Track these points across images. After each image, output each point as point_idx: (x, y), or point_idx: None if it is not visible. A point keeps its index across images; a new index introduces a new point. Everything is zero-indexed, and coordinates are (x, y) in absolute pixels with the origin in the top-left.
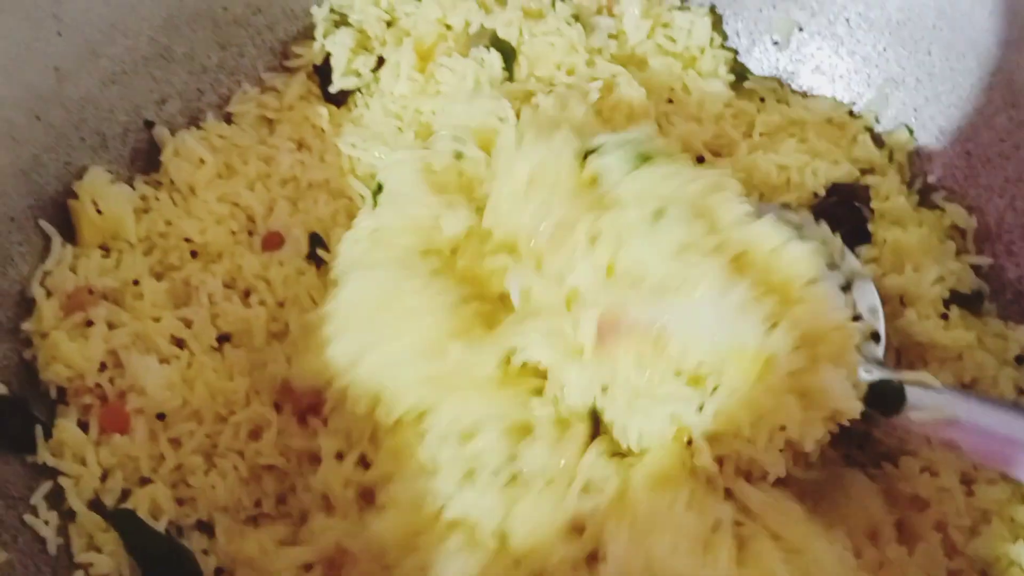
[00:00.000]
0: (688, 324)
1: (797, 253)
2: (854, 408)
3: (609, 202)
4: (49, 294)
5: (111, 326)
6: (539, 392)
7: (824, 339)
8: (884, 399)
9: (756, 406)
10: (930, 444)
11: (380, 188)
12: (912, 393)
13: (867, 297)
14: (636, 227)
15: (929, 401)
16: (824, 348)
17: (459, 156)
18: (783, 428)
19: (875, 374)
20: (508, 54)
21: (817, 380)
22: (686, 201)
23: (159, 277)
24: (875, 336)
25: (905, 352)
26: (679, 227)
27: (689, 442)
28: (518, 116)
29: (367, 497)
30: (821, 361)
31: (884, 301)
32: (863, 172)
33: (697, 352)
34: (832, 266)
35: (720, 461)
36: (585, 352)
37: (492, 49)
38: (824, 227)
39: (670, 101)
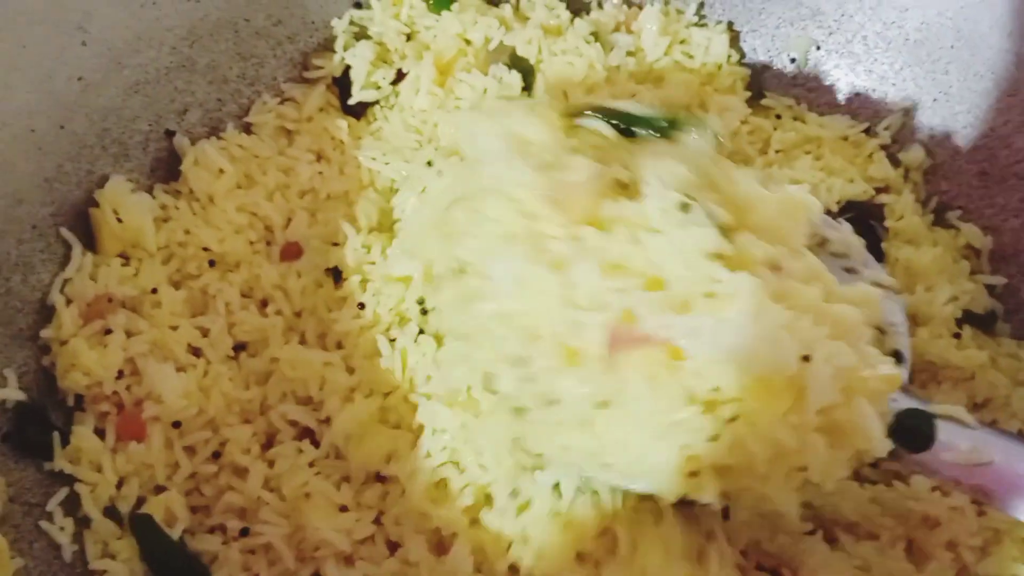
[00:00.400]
0: (711, 344)
1: (857, 295)
2: (882, 447)
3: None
4: (69, 302)
5: (129, 334)
6: None
7: (863, 380)
8: (912, 433)
9: (777, 442)
10: (959, 487)
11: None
12: (943, 429)
13: (890, 311)
14: (656, 220)
15: (962, 440)
16: (861, 385)
17: None
18: (803, 468)
19: (901, 403)
20: (527, 72)
21: (849, 417)
22: (718, 190)
23: (177, 286)
24: (896, 355)
25: (918, 372)
26: (709, 227)
27: (694, 473)
28: None
29: None
30: (855, 395)
31: None
32: (878, 191)
33: (716, 376)
34: (851, 270)
35: (727, 496)
36: (587, 360)
37: (512, 70)
38: (846, 229)
39: None
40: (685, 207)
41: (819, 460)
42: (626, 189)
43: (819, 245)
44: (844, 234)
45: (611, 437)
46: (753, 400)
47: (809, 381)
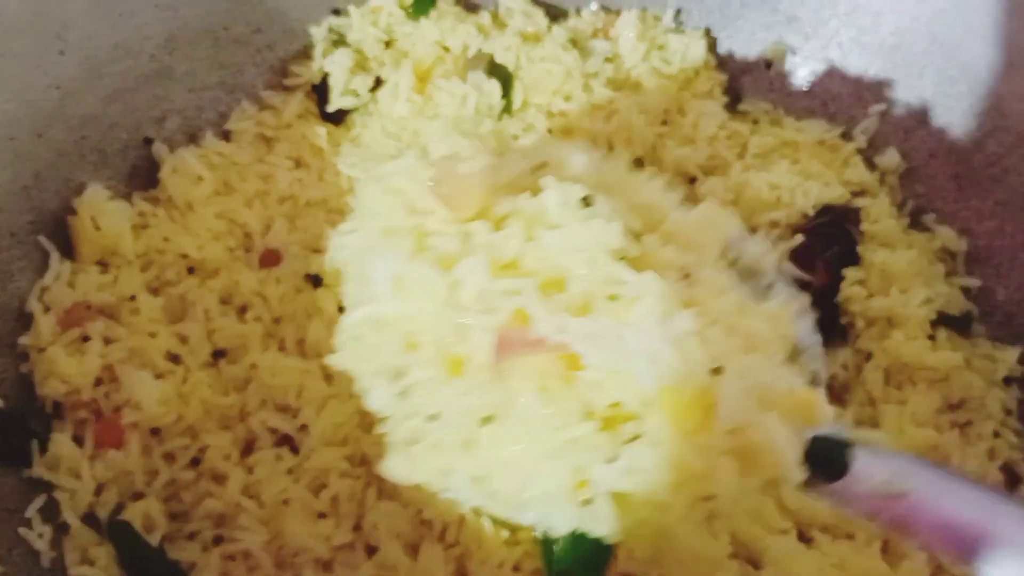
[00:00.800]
0: (612, 351)
1: (770, 312)
2: (797, 474)
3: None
4: (47, 309)
5: (107, 341)
6: None
7: (778, 400)
8: (824, 461)
9: (683, 465)
10: (877, 520)
11: None
12: (858, 457)
13: (804, 331)
14: (555, 215)
15: (878, 469)
16: (776, 405)
17: None
18: (709, 498)
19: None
20: (506, 81)
21: (762, 439)
22: (625, 193)
23: (156, 293)
24: (813, 379)
25: (893, 373)
26: (614, 222)
27: (588, 501)
28: None
29: None
30: (769, 415)
31: (871, 323)
32: (854, 194)
33: (616, 389)
34: (764, 288)
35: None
36: (471, 369)
37: (491, 78)
38: (760, 245)
39: (664, 123)
40: (587, 201)
41: (728, 487)
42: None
43: (731, 264)
44: (758, 251)
45: (496, 458)
46: (657, 416)
47: (719, 396)
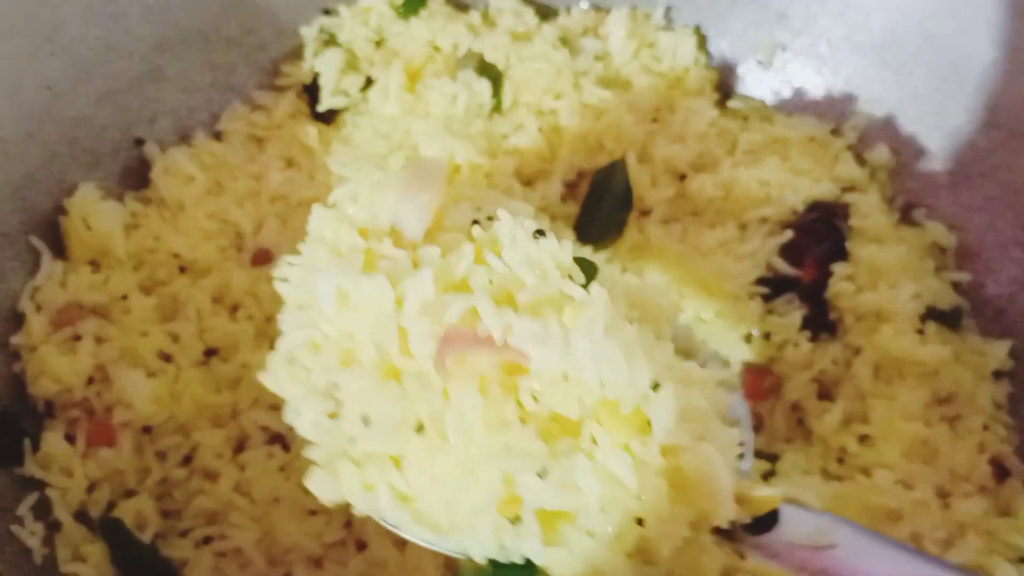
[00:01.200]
0: (557, 354)
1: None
2: (728, 511)
3: None
4: (39, 309)
5: (99, 340)
6: None
7: (712, 429)
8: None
9: (615, 481)
10: (803, 575)
11: None
12: (786, 512)
13: (734, 407)
14: (507, 242)
15: (806, 522)
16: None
17: None
18: (640, 522)
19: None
20: (496, 80)
21: (697, 465)
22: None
23: (147, 292)
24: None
25: (883, 368)
26: (565, 241)
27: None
28: None
29: None
30: (704, 442)
31: (861, 318)
32: (844, 190)
33: (558, 397)
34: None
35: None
36: (407, 375)
37: (481, 77)
38: (690, 326)
39: (655, 120)
40: (540, 234)
41: (660, 512)
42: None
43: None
44: (689, 331)
45: (425, 474)
46: (594, 428)
47: (656, 410)
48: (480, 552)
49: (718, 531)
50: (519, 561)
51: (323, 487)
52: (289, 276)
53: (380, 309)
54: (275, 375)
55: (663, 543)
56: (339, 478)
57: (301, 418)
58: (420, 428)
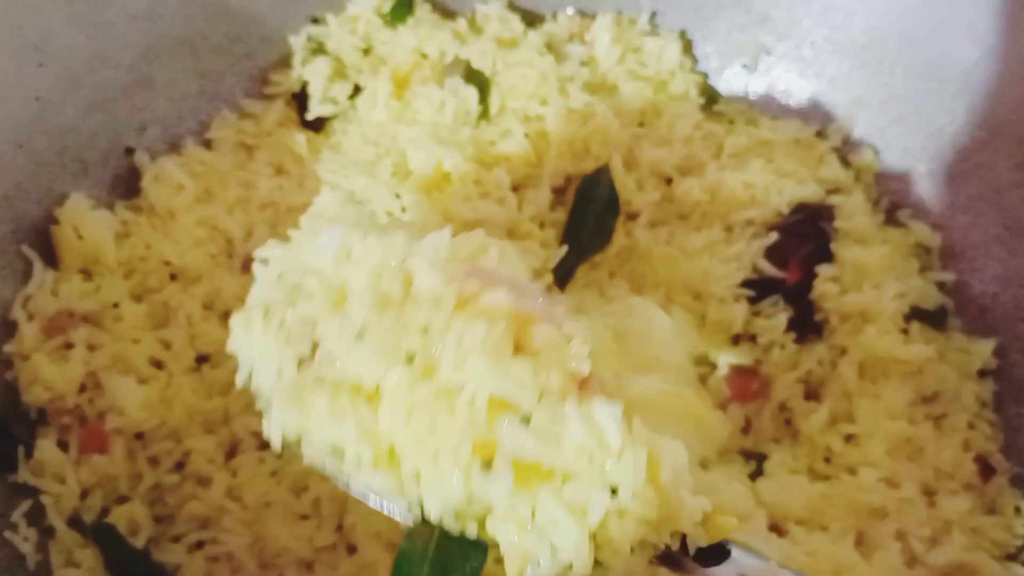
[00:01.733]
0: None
1: None
2: (692, 515)
3: None
4: (31, 317)
5: (91, 348)
6: None
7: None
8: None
9: (597, 441)
10: None
11: None
12: (736, 554)
13: None
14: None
15: (755, 569)
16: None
17: None
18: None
19: None
20: (483, 86)
21: (657, 451)
22: None
23: (139, 300)
24: None
25: (868, 368)
26: None
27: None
28: None
29: None
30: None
31: (846, 319)
32: (829, 192)
33: (556, 358)
34: None
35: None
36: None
37: (468, 84)
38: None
39: (641, 124)
40: None
41: (635, 483)
42: None
43: None
44: None
45: (400, 406)
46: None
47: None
48: (438, 505)
49: (667, 560)
50: (474, 522)
51: (281, 422)
52: (270, 257)
53: (384, 260)
54: (246, 326)
55: (624, 538)
56: (305, 407)
57: (264, 375)
58: (410, 359)
